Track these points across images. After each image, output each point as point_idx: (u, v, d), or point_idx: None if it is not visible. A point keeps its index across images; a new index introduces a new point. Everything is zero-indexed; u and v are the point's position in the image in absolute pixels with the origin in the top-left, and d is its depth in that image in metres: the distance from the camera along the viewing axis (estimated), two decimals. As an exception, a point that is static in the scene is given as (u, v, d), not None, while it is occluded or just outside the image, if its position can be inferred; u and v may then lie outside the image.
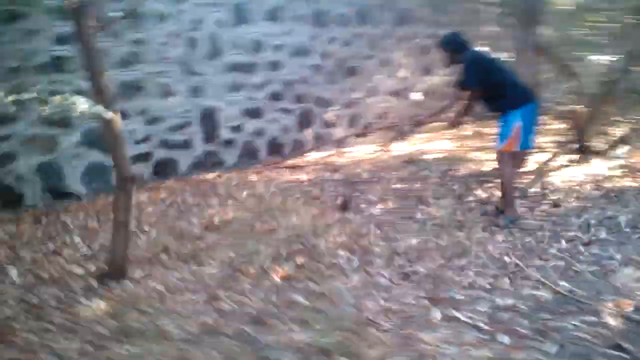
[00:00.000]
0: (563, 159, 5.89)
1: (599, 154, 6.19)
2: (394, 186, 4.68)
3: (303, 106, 5.97)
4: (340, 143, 6.36)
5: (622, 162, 5.92)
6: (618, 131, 7.14)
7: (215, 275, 2.91)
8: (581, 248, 2.94)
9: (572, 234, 3.24)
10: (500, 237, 3.43)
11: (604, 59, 6.35)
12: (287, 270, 2.97)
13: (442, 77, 7.33)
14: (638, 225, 3.31)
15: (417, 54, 7.07)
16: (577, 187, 4.68)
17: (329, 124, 6.22)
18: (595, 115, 6.51)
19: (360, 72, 6.46)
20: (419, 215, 3.91)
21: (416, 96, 7.08)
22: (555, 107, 7.28)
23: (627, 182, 4.94)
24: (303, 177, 5.00)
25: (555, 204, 4.17)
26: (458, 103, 4.10)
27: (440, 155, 5.84)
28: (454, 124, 4.14)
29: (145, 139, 4.79)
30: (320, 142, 6.14)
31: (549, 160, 5.83)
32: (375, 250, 3.27)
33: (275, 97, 5.72)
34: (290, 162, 5.61)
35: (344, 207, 4.06)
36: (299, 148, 5.96)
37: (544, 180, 4.96)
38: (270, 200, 4.16)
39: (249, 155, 5.53)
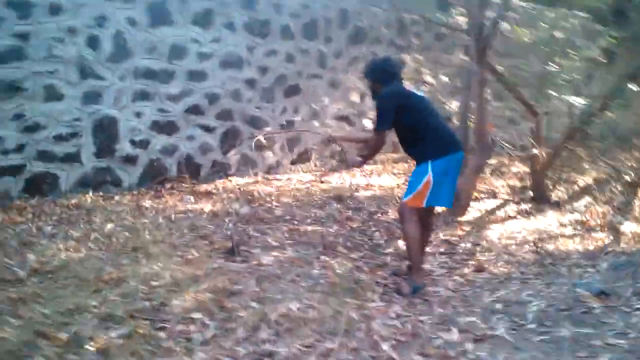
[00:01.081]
0: (513, 208, 5.41)
1: (556, 205, 5.73)
2: (304, 228, 4.12)
3: (229, 124, 5.41)
4: (272, 169, 5.81)
5: (578, 216, 5.45)
6: (583, 180, 6.73)
7: (8, 341, 2.30)
8: (469, 345, 2.38)
9: (471, 319, 2.69)
10: (396, 310, 2.89)
11: (575, 100, 5.89)
12: (109, 340, 2.38)
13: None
14: (546, 321, 2.71)
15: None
16: (512, 247, 4.17)
17: (260, 147, 5.67)
18: (557, 161, 6.06)
19: (304, 91, 5.94)
20: (315, 270, 3.34)
21: (369, 123, 6.57)
22: (514, 148, 6.84)
23: (574, 245, 4.44)
24: (207, 207, 4.42)
25: (479, 268, 3.64)
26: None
27: (377, 193, 5.30)
28: (360, 165, 3.64)
29: (18, 149, 4.17)
30: (247, 166, 5.59)
31: (496, 208, 5.35)
32: (241, 316, 2.69)
33: (195, 111, 5.16)
34: (202, 187, 5.03)
35: (231, 251, 3.48)
36: (219, 171, 5.39)
37: (480, 234, 4.46)
38: (144, 237, 3.56)
39: (154, 175, 4.93)
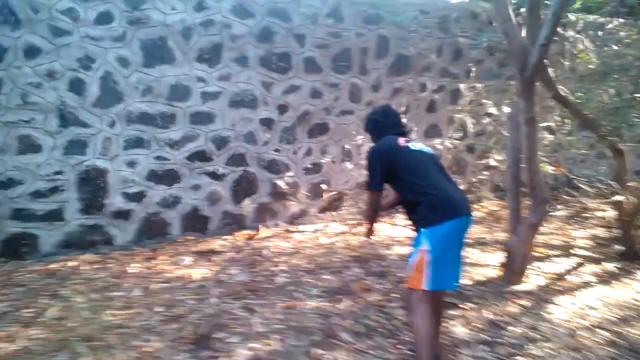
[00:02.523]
0: (594, 269, 4.35)
1: (653, 263, 4.58)
2: (306, 304, 3.42)
3: (242, 170, 4.89)
4: (297, 219, 5.20)
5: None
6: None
7: None
8: None
9: None
10: None
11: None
12: None
13: (456, 140, 6.05)
14: None
15: (421, 111, 5.84)
16: (582, 334, 3.20)
17: (280, 194, 5.09)
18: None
19: (334, 130, 5.33)
20: (299, 373, 2.65)
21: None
22: (599, 189, 5.72)
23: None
24: (200, 272, 3.87)
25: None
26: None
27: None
28: (368, 233, 2.97)
29: (-11, 208, 3.91)
30: (267, 216, 5.02)
31: (570, 270, 4.32)
32: None
33: (200, 157, 4.70)
34: (209, 243, 4.51)
35: (200, 342, 2.88)
36: (232, 223, 4.86)
37: (540, 311, 3.51)
38: (103, 319, 3.05)
39: (153, 231, 4.49)
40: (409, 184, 2.63)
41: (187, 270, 3.90)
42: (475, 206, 5.82)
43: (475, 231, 5.04)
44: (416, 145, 2.78)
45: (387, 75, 5.61)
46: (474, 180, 6.12)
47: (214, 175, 4.77)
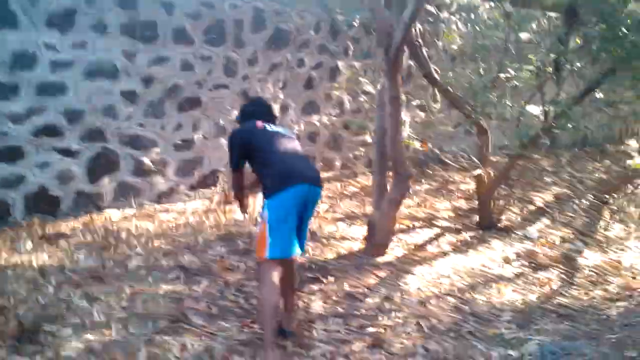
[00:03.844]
0: (452, 239, 4.54)
1: (504, 231, 4.89)
2: (158, 289, 3.18)
3: (100, 146, 4.45)
4: (165, 197, 4.87)
5: (530, 245, 4.62)
6: (541, 198, 5.91)
7: None
8: None
9: None
10: None
11: (532, 108, 5.02)
12: None
13: (334, 117, 6.00)
14: None
15: (299, 87, 5.70)
16: (432, 302, 3.30)
17: (146, 172, 4.73)
18: (510, 177, 5.22)
19: (206, 104, 5.02)
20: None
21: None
22: (461, 165, 6.01)
23: (512, 295, 3.59)
24: (44, 259, 3.46)
25: (375, 342, 2.76)
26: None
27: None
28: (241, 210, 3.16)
29: None
30: (130, 195, 4.63)
31: (430, 240, 4.47)
32: None
33: (50, 132, 4.20)
34: (60, 225, 4.07)
35: (23, 338, 2.54)
36: (89, 203, 4.43)
37: (397, 281, 3.57)
38: None
39: (-10, 214, 3.97)
40: (259, 159, 2.77)
41: (27, 256, 3.46)
42: (351, 181, 5.86)
43: (347, 205, 5.06)
44: (273, 127, 2.91)
45: (264, 49, 5.39)
46: (350, 156, 6.15)
47: (67, 152, 4.28)
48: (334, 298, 3.27)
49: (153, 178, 4.80)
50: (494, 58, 5.12)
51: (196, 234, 4.04)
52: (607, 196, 5.69)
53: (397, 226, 4.54)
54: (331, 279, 3.50)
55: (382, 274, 3.69)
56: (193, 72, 4.94)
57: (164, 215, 4.51)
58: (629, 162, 6.23)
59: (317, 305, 3.16)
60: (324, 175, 5.87)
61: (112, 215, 4.40)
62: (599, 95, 4.96)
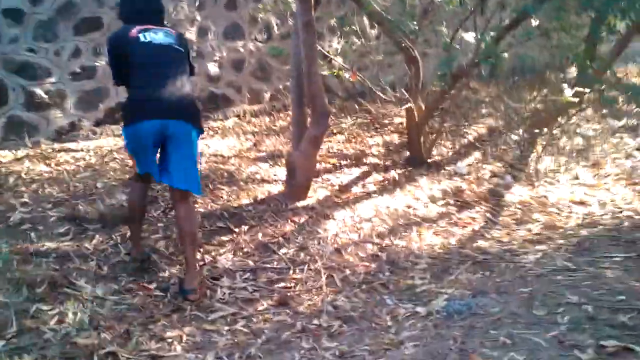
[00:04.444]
0: (379, 177, 4.34)
1: (434, 167, 4.73)
2: (39, 247, 2.80)
3: (-21, 77, 3.83)
4: (65, 134, 4.33)
5: (459, 182, 4.49)
6: (475, 131, 5.76)
7: None
8: None
9: None
10: None
11: (468, 36, 4.68)
12: None
13: (260, 43, 5.46)
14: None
15: (220, 7, 5.09)
16: (349, 250, 3.12)
17: (40, 105, 4.15)
18: (436, 113, 4.99)
19: (109, 26, 4.37)
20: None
21: (213, 68, 5.14)
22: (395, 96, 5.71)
23: (432, 238, 3.46)
24: None
25: (281, 301, 2.57)
26: None
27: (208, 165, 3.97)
28: None
29: None
30: (24, 132, 4.08)
31: (356, 180, 4.25)
32: None
33: None
34: None
35: None
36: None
37: (316, 227, 3.34)
38: None
39: None
40: (128, 78, 2.59)
41: None
42: (281, 115, 5.46)
43: (273, 142, 4.70)
44: (151, 35, 2.58)
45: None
46: (280, 87, 5.69)
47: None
48: (246, 250, 3.02)
49: (50, 112, 4.22)
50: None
51: (97, 179, 3.62)
52: (538, 129, 5.60)
53: (321, 165, 4.30)
54: (244, 228, 3.22)
55: (301, 220, 3.44)
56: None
57: (62, 156, 4.01)
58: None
59: (226, 259, 2.90)
60: (250, 108, 5.49)
61: (1, 156, 3.87)
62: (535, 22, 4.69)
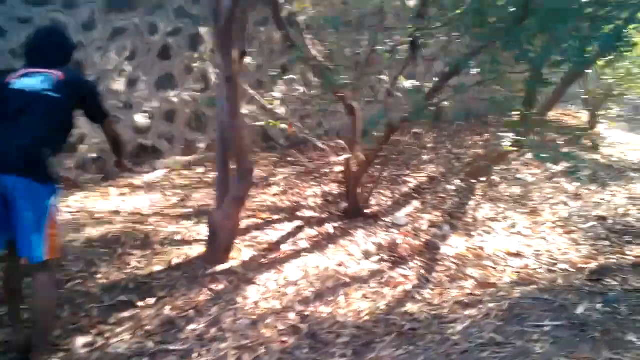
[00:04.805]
0: (312, 232, 4.12)
1: (372, 218, 4.55)
2: None
3: None
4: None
5: (396, 234, 4.32)
6: (414, 180, 5.65)
7: None
8: None
9: None
10: None
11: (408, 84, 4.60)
12: None
13: (196, 93, 5.26)
14: None
15: (152, 57, 4.88)
16: (268, 322, 2.84)
17: None
18: (374, 162, 4.86)
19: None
20: None
21: (141, 119, 4.90)
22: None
23: (362, 297, 3.23)
24: None
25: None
26: None
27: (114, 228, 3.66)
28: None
29: None
30: None
31: (287, 236, 4.01)
32: None
33: None
34: None
35: None
36: None
37: (235, 296, 3.06)
38: None
39: None
40: None
41: None
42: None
43: (202, 197, 4.44)
44: (26, 81, 2.34)
45: (104, 11, 4.51)
46: (216, 136, 5.48)
47: None
48: (148, 328, 2.70)
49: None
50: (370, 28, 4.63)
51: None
52: (476, 178, 5.55)
53: (251, 221, 4.06)
54: (151, 300, 2.92)
55: (219, 287, 3.17)
56: (4, 39, 3.99)
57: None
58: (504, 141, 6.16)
59: (121, 342, 2.58)
60: (184, 159, 5.23)
61: None
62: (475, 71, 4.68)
